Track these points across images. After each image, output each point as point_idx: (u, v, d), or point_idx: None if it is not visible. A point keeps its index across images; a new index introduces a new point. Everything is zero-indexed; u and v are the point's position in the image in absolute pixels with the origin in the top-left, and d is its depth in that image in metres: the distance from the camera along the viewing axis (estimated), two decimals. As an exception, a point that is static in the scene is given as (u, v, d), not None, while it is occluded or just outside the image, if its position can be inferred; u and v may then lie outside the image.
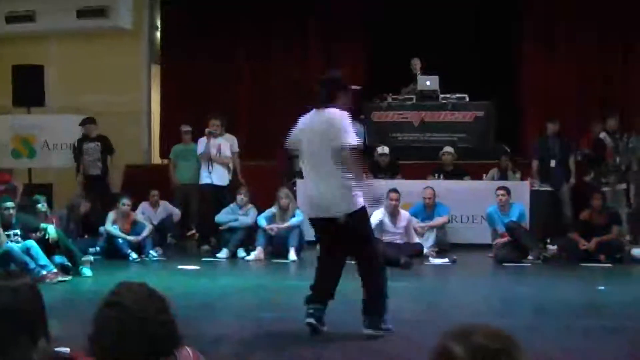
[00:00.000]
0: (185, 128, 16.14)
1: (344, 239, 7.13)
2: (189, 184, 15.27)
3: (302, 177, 14.74)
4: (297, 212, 13.23)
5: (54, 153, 16.61)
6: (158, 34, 19.47)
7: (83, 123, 15.79)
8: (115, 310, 2.70)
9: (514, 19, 17.65)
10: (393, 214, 12.88)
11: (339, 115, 6.98)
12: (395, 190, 13.07)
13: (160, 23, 19.43)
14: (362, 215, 7.05)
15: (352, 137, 6.91)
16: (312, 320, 7.08)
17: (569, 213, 14.47)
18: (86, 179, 15.53)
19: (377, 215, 12.44)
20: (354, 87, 7.26)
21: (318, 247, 7.66)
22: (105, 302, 2.74)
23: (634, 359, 6.53)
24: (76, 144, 15.93)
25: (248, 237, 13.58)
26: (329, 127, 6.93)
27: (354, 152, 6.94)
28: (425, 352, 2.02)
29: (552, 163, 14.71)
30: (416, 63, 16.93)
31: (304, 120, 7.26)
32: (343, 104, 7.16)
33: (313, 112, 7.19)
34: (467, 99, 16.32)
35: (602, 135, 14.68)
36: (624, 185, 14.17)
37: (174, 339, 2.76)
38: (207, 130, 14.31)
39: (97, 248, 13.49)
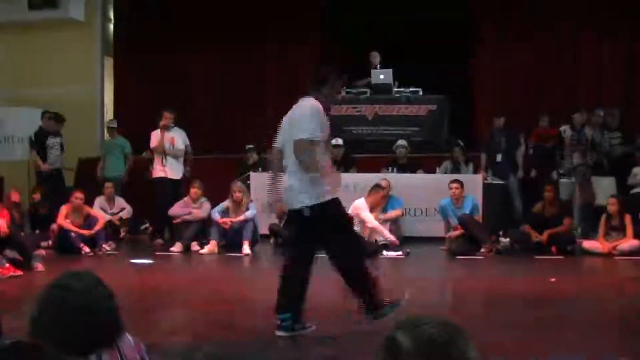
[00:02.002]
0: (112, 124, 16.48)
1: (313, 233, 6.92)
2: (115, 177, 15.30)
3: (255, 170, 14.84)
4: (251, 205, 13.26)
5: (5, 146, 16.42)
6: (111, 26, 19.32)
7: (58, 120, 15.78)
8: (60, 290, 2.67)
9: (468, 14, 17.74)
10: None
11: (306, 106, 6.85)
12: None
13: (113, 15, 19.28)
14: (327, 207, 6.79)
15: (306, 130, 6.70)
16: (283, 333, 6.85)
17: (519, 206, 14.61)
18: (49, 172, 15.46)
19: (359, 205, 12.59)
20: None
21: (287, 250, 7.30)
22: (52, 284, 2.71)
23: (581, 347, 6.61)
24: (34, 137, 15.81)
25: (202, 230, 13.57)
26: (294, 116, 6.88)
27: (303, 144, 6.70)
28: (375, 344, 2.03)
29: (498, 157, 14.84)
30: (375, 57, 16.96)
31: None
32: (323, 99, 6.99)
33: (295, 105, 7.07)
34: (421, 93, 16.41)
35: (563, 128, 14.84)
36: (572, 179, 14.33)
37: (116, 327, 2.75)
38: (161, 123, 14.25)
39: (49, 242, 13.38)
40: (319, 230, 6.86)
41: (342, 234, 6.95)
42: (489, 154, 15.02)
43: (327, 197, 6.77)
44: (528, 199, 14.32)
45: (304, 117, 6.77)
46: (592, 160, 14.35)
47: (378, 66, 16.81)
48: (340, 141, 15.14)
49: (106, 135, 17.22)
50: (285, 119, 7.06)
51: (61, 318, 2.62)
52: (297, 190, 6.76)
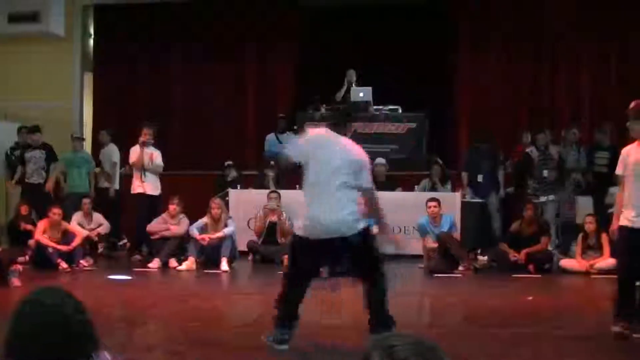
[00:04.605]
0: (78, 135, 16.49)
1: (350, 259, 7.17)
2: (80, 192, 15.21)
3: (233, 187, 14.81)
4: (230, 222, 13.25)
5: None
6: (91, 42, 19.28)
7: (30, 132, 15.62)
8: (32, 307, 2.68)
9: (447, 32, 17.84)
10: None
11: (364, 154, 7.11)
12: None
13: (94, 30, 19.25)
14: (368, 233, 7.03)
15: (370, 180, 7.06)
16: (286, 347, 6.92)
17: (497, 225, 14.66)
18: (27, 187, 15.37)
19: None
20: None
21: (290, 267, 7.35)
22: (23, 301, 2.72)
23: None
24: (9, 152, 15.79)
25: (180, 246, 13.53)
26: (357, 159, 6.98)
27: (372, 193, 7.08)
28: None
29: (479, 178, 14.88)
30: (352, 74, 16.98)
31: (321, 139, 7.17)
32: (348, 135, 7.25)
33: (330, 133, 7.14)
34: (400, 111, 16.44)
35: (529, 149, 14.92)
36: (551, 197, 14.37)
37: (91, 340, 2.75)
38: (140, 139, 14.22)
39: (26, 257, 13.31)
40: (354, 257, 7.11)
41: (375, 261, 7.19)
42: (470, 173, 15.07)
43: (365, 224, 7.00)
44: (506, 217, 14.40)
45: (366, 162, 7.04)
46: (564, 178, 14.45)
47: (354, 84, 16.83)
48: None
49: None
50: (325, 145, 7.07)
51: (34, 334, 2.63)
52: (349, 219, 6.86)
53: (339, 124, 7.19)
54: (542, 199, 14.28)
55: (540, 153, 14.60)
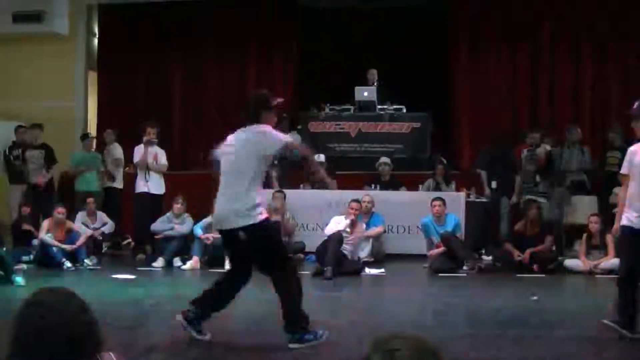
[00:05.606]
0: (93, 136, 16.54)
1: (246, 253, 7.17)
2: (95, 191, 15.26)
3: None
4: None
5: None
6: (95, 41, 19.29)
7: (31, 127, 15.65)
8: (36, 308, 2.68)
9: (447, 32, 17.82)
10: (352, 224, 12.84)
11: (266, 127, 7.11)
12: (356, 201, 13.14)
13: (98, 29, 19.26)
14: (261, 229, 6.99)
15: (282, 136, 7.26)
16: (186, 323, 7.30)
17: (505, 228, 14.56)
18: (29, 187, 15.36)
19: (339, 222, 12.61)
20: (277, 100, 7.43)
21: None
22: (26, 302, 2.72)
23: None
24: (7, 151, 15.80)
25: (184, 246, 13.53)
26: (260, 138, 7.04)
27: (291, 144, 7.32)
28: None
29: (493, 184, 14.80)
30: (373, 74, 16.89)
31: (232, 137, 7.32)
32: (268, 123, 7.21)
33: (240, 129, 7.25)
34: (404, 110, 16.44)
35: (524, 151, 14.90)
36: (543, 200, 14.34)
37: (95, 340, 2.75)
38: (145, 138, 14.22)
39: (31, 256, 13.32)
40: (249, 252, 7.17)
41: (273, 256, 7.22)
42: (488, 172, 14.96)
43: (258, 220, 7.02)
44: (513, 220, 14.34)
45: (274, 132, 7.17)
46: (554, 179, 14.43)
47: (375, 83, 16.75)
48: (322, 157, 15.15)
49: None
50: (233, 142, 7.27)
51: (39, 335, 2.63)
52: (238, 213, 6.95)
53: (248, 116, 7.25)
54: (540, 200, 14.27)
55: (529, 153, 14.56)
